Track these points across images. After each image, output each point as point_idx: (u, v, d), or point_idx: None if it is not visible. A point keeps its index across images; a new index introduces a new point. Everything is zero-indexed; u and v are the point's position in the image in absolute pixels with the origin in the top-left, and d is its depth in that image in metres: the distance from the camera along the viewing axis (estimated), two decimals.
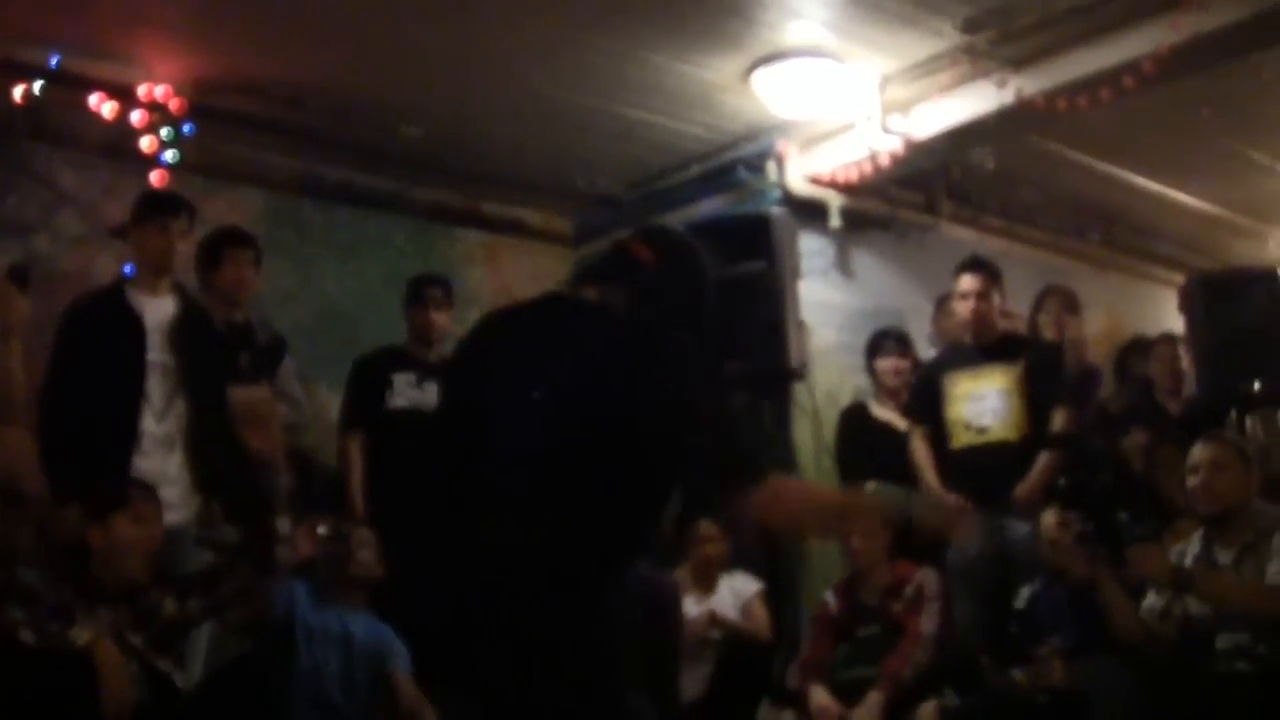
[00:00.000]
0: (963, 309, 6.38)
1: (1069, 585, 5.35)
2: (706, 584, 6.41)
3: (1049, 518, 5.48)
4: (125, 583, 4.44)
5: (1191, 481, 4.93)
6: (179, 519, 5.18)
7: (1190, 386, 7.01)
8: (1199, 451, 4.94)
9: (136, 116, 6.13)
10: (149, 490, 4.72)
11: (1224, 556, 4.82)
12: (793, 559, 7.04)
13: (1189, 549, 4.93)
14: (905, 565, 6.01)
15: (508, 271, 8.08)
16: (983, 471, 6.11)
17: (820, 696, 5.68)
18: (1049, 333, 6.72)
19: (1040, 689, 5.20)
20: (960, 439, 6.26)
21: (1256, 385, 6.65)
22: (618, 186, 7.91)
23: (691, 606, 6.30)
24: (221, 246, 5.87)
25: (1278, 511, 4.88)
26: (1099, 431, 6.70)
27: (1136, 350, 7.52)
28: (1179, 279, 9.00)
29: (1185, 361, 6.98)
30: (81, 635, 4.12)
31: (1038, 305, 6.92)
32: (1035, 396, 6.17)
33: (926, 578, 5.90)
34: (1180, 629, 4.78)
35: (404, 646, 5.37)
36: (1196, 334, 6.91)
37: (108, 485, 4.69)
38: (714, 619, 6.21)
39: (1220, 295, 6.92)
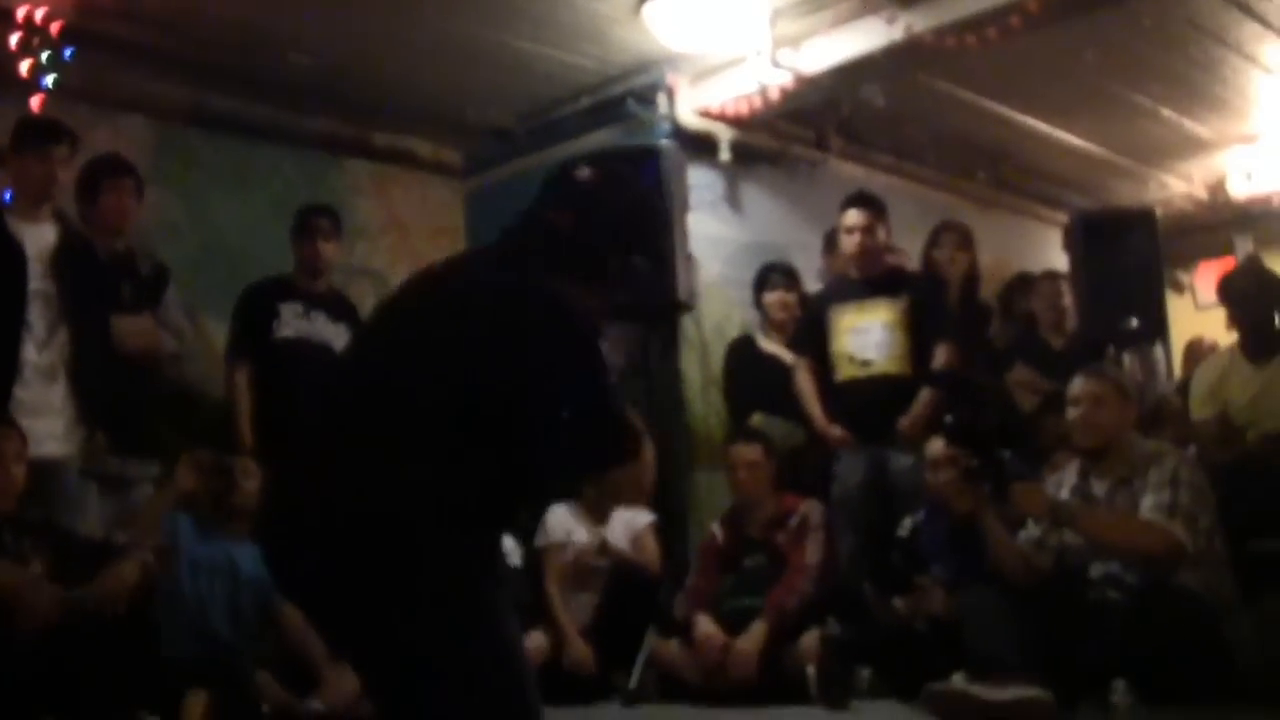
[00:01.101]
0: (848, 243, 6.45)
1: (951, 519, 5.45)
2: (599, 514, 6.45)
3: (933, 450, 5.57)
4: None
5: (1071, 414, 5.04)
6: (63, 451, 5.13)
7: (1073, 323, 7.15)
8: (1078, 386, 5.04)
9: (14, 40, 5.98)
10: (6, 427, 4.63)
11: (1099, 489, 4.94)
12: (682, 492, 7.10)
13: (1065, 480, 5.05)
14: (790, 497, 6.10)
15: (397, 202, 8.02)
16: (866, 404, 6.20)
17: (705, 626, 5.75)
18: (943, 268, 6.79)
19: (921, 617, 5.32)
20: (845, 372, 6.34)
21: (1134, 322, 6.80)
22: (508, 118, 7.87)
23: (583, 536, 6.36)
24: (100, 175, 5.75)
25: (1153, 446, 5.00)
26: (984, 367, 6.82)
27: (1021, 287, 7.64)
28: (1063, 218, 9.15)
29: (1068, 298, 7.10)
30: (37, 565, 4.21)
31: (932, 240, 6.99)
32: (919, 330, 6.26)
33: (810, 509, 5.99)
34: (1056, 559, 4.90)
35: None
36: (1078, 271, 7.04)
37: None
38: (604, 548, 6.27)
39: (1100, 234, 7.05)
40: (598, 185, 3.01)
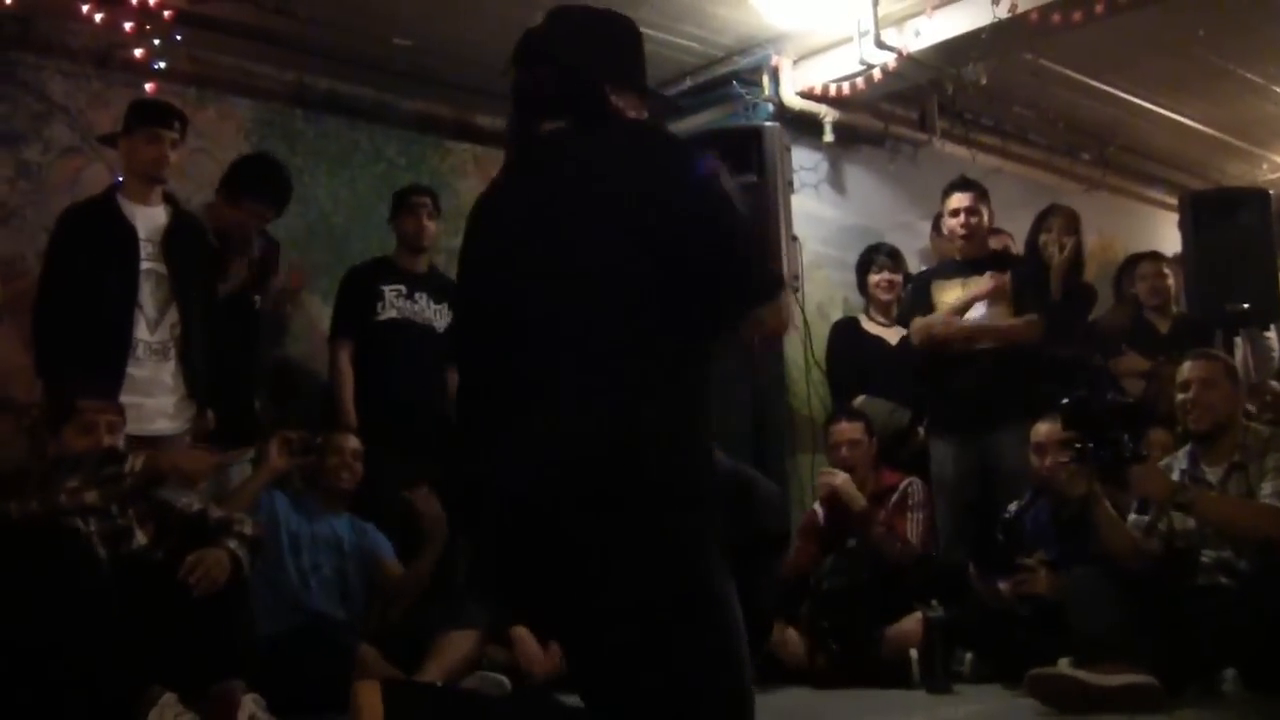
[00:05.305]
0: (953, 224, 6.43)
1: (1057, 501, 5.39)
2: None
3: (1040, 433, 5.51)
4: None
5: (1181, 398, 4.95)
6: (173, 428, 5.22)
7: (1182, 305, 7.05)
8: (1189, 368, 4.96)
9: (126, 26, 6.05)
10: (102, 402, 4.69)
11: (1211, 475, 4.84)
12: (784, 473, 7.08)
13: (1175, 465, 4.96)
14: (890, 473, 6.08)
15: None
16: (971, 379, 6.15)
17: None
18: (1049, 252, 6.72)
19: (1024, 598, 5.27)
20: (949, 347, 6.30)
21: (1245, 305, 6.68)
22: None
23: None
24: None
25: (1266, 431, 4.90)
26: (1092, 351, 6.73)
27: (1129, 269, 7.55)
28: (1171, 200, 9.02)
29: (1171, 279, 7.00)
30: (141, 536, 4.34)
31: (1039, 224, 6.91)
32: (1022, 307, 6.21)
33: (912, 486, 5.97)
34: (1165, 544, 4.82)
35: (385, 538, 5.64)
36: (1188, 252, 6.93)
37: (58, 398, 4.72)
38: None
39: (1211, 214, 6.93)
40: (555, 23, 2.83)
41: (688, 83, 7.54)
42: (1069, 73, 7.84)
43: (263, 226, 5.94)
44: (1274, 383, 6.61)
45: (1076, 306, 6.82)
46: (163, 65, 6.16)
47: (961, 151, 8.26)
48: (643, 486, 2.31)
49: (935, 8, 6.70)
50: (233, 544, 4.46)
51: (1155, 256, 7.25)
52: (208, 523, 4.58)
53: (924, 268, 7.27)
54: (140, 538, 4.46)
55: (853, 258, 7.32)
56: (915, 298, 6.59)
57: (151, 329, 5.18)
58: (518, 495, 2.35)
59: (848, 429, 6.12)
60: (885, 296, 7.03)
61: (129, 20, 6.01)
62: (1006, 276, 6.27)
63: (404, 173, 7.37)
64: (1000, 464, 6.06)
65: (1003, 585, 5.36)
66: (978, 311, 6.26)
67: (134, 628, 4.11)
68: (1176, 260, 7.29)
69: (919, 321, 6.39)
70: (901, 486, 5.99)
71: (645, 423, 2.33)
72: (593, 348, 2.37)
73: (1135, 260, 7.46)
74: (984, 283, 6.26)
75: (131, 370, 5.09)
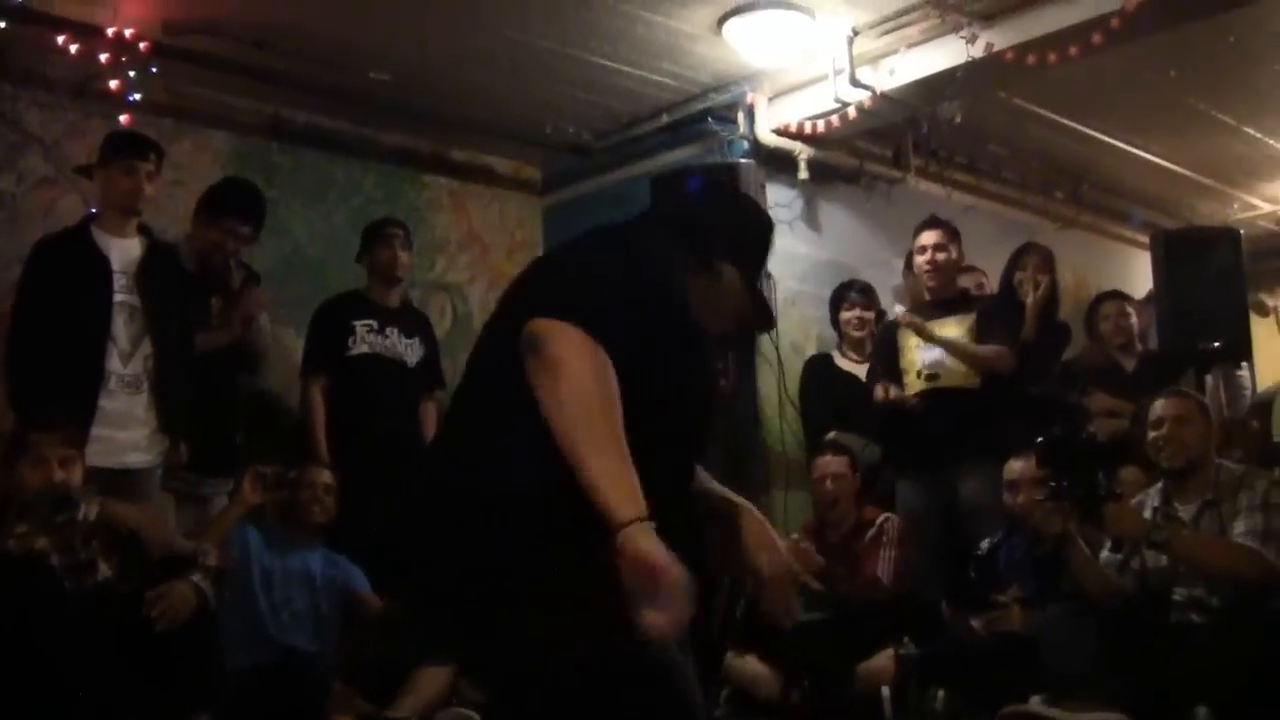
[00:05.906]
0: (920, 260, 6.44)
1: (1033, 539, 5.38)
2: None
3: (1013, 471, 5.51)
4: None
5: (1154, 435, 4.96)
6: (145, 461, 5.20)
7: (1150, 342, 7.08)
8: (1161, 406, 4.97)
9: (103, 57, 6.04)
10: (56, 436, 4.63)
11: (1184, 512, 4.85)
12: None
13: (1148, 502, 4.97)
14: (872, 509, 6.07)
15: (475, 218, 8.07)
16: (935, 419, 6.15)
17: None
18: (1024, 290, 6.73)
19: (997, 635, 5.26)
20: (913, 386, 6.32)
21: (1217, 343, 6.71)
22: (587, 135, 7.88)
23: None
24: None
25: (1239, 470, 4.92)
26: (1066, 389, 6.75)
27: (1096, 308, 7.58)
28: (1143, 238, 9.06)
29: (1135, 318, 7.03)
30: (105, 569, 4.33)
31: (1014, 262, 6.93)
32: (987, 342, 6.22)
33: (888, 523, 5.95)
34: (1138, 582, 4.82)
35: (360, 571, 5.61)
36: (1161, 290, 6.96)
37: (15, 433, 4.70)
38: None
39: (1183, 253, 6.98)
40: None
41: (664, 119, 7.56)
42: (1043, 112, 7.88)
43: (239, 249, 5.89)
44: (1255, 422, 6.64)
45: (1051, 345, 6.84)
46: (139, 97, 6.15)
47: (936, 189, 8.29)
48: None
49: (910, 46, 6.72)
50: (197, 577, 4.45)
51: (1117, 296, 7.28)
52: (174, 557, 4.56)
53: (897, 304, 7.27)
54: (104, 570, 4.43)
55: (828, 294, 7.32)
56: (882, 346, 6.63)
57: (124, 361, 5.16)
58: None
59: (832, 462, 6.11)
60: (857, 333, 7.04)
61: (105, 52, 6.00)
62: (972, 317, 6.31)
63: (380, 206, 7.37)
64: (965, 501, 6.06)
65: (976, 622, 5.35)
66: (936, 353, 6.26)
67: (101, 661, 4.08)
68: (1146, 299, 7.33)
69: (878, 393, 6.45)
70: (878, 523, 5.97)
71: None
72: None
73: (1100, 300, 7.50)
74: (949, 327, 6.28)
75: (103, 403, 5.06)
